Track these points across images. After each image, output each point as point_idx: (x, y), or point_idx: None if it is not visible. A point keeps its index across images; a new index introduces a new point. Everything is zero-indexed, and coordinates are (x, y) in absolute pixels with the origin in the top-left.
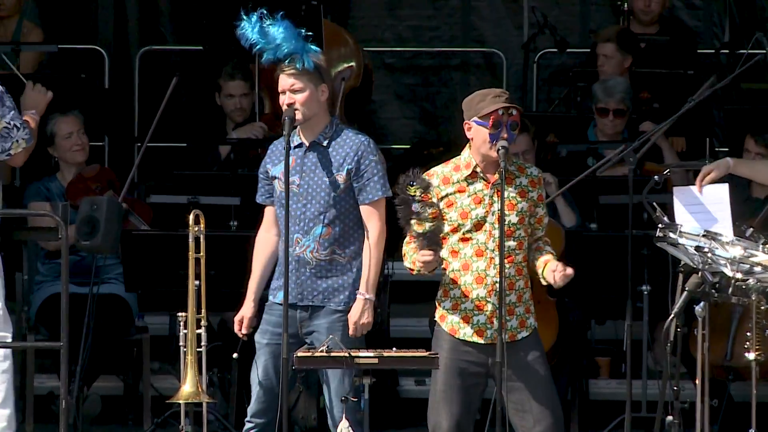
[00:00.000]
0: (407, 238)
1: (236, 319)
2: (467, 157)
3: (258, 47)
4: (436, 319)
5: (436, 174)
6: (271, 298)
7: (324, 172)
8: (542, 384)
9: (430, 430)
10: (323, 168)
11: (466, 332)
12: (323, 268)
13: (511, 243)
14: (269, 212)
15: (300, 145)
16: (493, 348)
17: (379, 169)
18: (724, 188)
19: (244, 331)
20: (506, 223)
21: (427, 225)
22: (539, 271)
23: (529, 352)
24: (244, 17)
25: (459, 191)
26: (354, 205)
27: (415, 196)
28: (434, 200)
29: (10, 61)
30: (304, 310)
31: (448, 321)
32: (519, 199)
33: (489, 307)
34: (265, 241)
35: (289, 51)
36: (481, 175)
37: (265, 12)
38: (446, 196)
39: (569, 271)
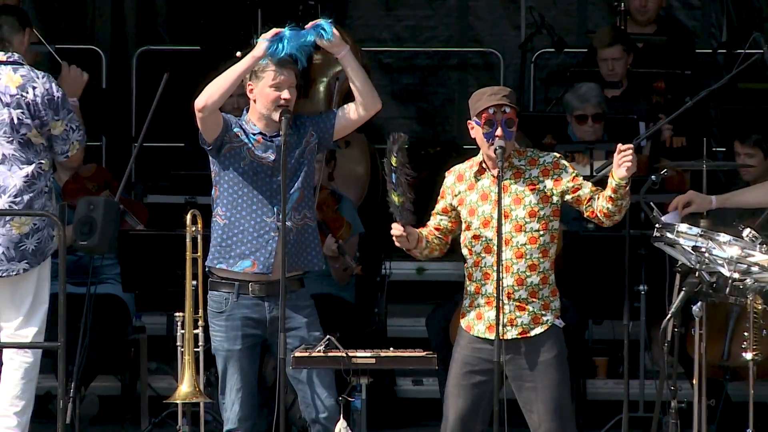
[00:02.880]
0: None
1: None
2: (479, 155)
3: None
4: (459, 315)
5: (454, 171)
6: (223, 266)
7: (293, 147)
8: (551, 385)
9: (443, 423)
10: (292, 143)
11: (480, 329)
12: (300, 234)
13: (521, 238)
14: None
15: (260, 133)
16: (506, 344)
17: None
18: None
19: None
20: (514, 217)
21: (400, 198)
22: (608, 191)
23: (543, 351)
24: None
25: (469, 188)
26: (312, 169)
27: (396, 167)
28: (447, 198)
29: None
30: (275, 308)
31: (465, 318)
32: (527, 193)
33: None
34: None
35: (290, 50)
36: (489, 171)
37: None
38: (459, 193)
39: (626, 150)
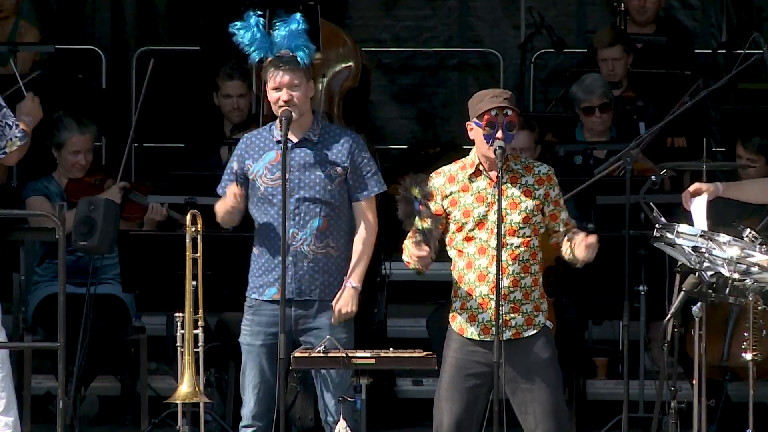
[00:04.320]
0: (409, 234)
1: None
2: (473, 157)
3: (252, 49)
4: (449, 319)
5: (443, 173)
6: (256, 296)
7: (317, 167)
8: (546, 386)
9: (434, 427)
10: (316, 163)
11: (473, 331)
12: (320, 261)
13: (515, 241)
14: (230, 188)
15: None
16: (498, 345)
17: (372, 165)
18: (702, 199)
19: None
20: (509, 221)
21: (429, 222)
22: (567, 255)
23: (536, 352)
24: (241, 21)
25: (462, 190)
26: (345, 200)
27: (417, 198)
28: (437, 200)
29: (5, 61)
30: (300, 307)
31: (457, 321)
32: (523, 198)
33: (492, 304)
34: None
35: (287, 47)
36: (485, 173)
37: (262, 19)
38: (450, 194)
39: (590, 239)
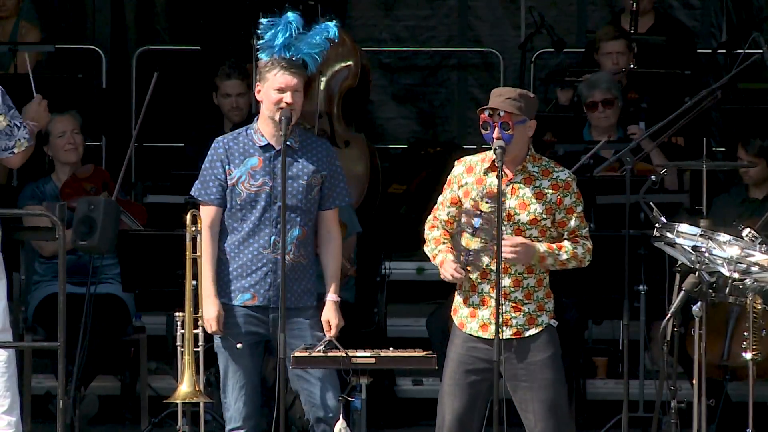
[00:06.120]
0: (430, 223)
1: (212, 319)
2: (492, 151)
3: (272, 47)
4: (451, 312)
5: (464, 162)
6: (225, 300)
7: (299, 176)
8: (547, 384)
9: (437, 422)
10: (298, 171)
11: (473, 326)
12: (294, 269)
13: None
14: (211, 211)
15: (266, 146)
16: (498, 344)
17: (343, 176)
18: None
19: (223, 329)
20: (516, 221)
21: (478, 244)
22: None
23: (538, 351)
24: (271, 20)
25: (477, 182)
26: (314, 209)
27: (482, 212)
28: (454, 188)
29: (6, 62)
30: (276, 313)
31: (458, 314)
32: (534, 201)
33: (492, 302)
34: (213, 240)
35: (301, 52)
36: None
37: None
38: (465, 184)
39: (511, 241)
